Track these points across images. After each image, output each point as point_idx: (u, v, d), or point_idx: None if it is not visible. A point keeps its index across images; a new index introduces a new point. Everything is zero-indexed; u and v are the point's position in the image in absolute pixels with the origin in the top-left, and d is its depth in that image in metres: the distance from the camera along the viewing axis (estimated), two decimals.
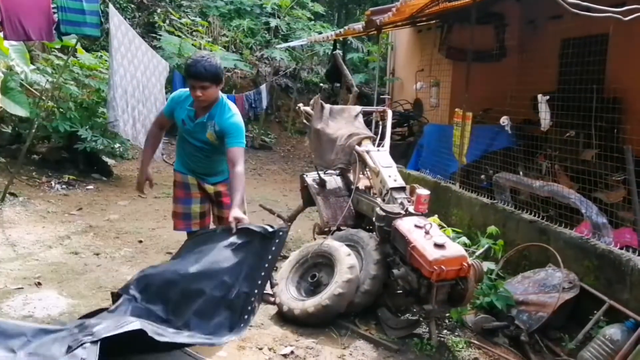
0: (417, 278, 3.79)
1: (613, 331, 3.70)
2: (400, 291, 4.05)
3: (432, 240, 3.75)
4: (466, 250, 4.76)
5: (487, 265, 4.57)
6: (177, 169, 4.08)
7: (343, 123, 5.03)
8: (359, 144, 4.79)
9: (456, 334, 4.12)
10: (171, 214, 4.17)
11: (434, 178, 6.73)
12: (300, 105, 5.45)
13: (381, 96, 8.30)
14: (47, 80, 7.94)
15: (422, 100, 9.11)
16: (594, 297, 4.08)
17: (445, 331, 4.15)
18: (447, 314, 4.26)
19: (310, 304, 4.03)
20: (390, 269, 4.05)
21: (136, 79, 7.18)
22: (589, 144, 5.94)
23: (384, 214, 4.08)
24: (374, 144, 4.90)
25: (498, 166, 5.94)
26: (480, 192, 5.85)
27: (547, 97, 5.64)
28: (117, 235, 6.02)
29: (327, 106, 5.09)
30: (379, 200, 4.35)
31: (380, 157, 4.61)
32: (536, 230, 4.77)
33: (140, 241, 5.84)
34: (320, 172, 5.16)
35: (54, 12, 6.04)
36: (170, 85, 9.10)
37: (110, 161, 9.49)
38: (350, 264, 4.11)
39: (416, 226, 3.91)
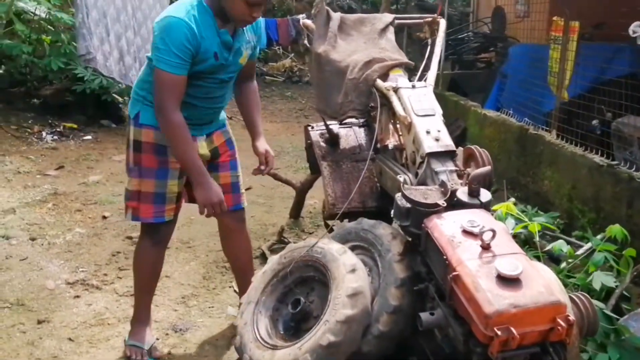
0: (462, 336, 1.98)
1: None
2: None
3: (493, 264, 1.91)
4: (561, 253, 2.84)
5: (599, 278, 2.65)
6: (149, 122, 2.53)
7: (361, 42, 3.12)
8: (384, 76, 2.91)
9: None
10: (128, 195, 2.63)
11: (519, 122, 4.72)
12: (301, 17, 3.58)
13: None
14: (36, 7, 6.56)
15: (505, 9, 6.80)
16: None
17: None
18: None
19: (282, 358, 2.35)
20: (421, 303, 2.27)
21: None
22: None
23: (407, 205, 2.25)
24: (412, 77, 3.02)
25: (619, 105, 3.83)
26: (592, 147, 3.78)
27: None
28: (82, 206, 4.57)
29: (336, 15, 3.17)
30: (401, 177, 2.50)
31: (417, 99, 2.70)
32: None
33: (105, 217, 4.35)
34: (330, 123, 3.33)
35: None
36: None
37: None
38: (354, 288, 2.33)
39: (465, 232, 2.06)
